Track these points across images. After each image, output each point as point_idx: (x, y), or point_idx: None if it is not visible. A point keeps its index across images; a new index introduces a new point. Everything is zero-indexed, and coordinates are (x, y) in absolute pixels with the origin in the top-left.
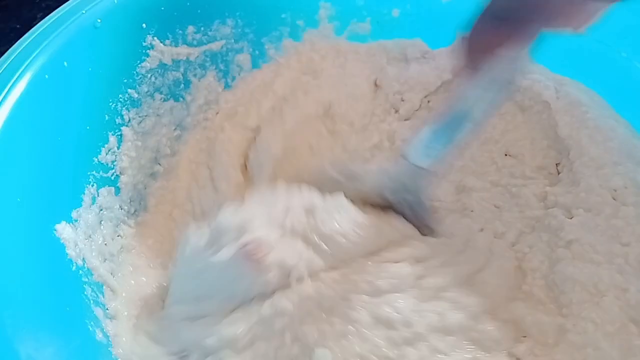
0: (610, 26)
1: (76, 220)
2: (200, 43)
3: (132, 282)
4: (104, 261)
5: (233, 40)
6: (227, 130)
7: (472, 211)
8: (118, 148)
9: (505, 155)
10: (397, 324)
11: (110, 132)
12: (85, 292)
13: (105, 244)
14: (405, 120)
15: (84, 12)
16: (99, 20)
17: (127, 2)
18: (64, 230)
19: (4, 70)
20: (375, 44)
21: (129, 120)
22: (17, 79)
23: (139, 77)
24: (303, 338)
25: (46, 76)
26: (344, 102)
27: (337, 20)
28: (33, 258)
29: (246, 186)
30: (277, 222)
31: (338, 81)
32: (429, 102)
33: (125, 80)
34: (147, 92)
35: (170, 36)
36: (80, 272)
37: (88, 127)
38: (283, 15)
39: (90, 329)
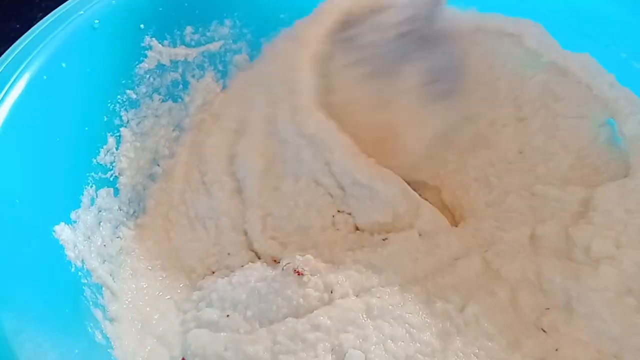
0: (609, 26)
1: (75, 222)
2: (198, 44)
3: (133, 285)
4: (103, 262)
5: (231, 41)
6: (214, 135)
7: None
8: (117, 149)
9: None
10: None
11: (109, 133)
12: (84, 294)
13: (105, 245)
14: None
15: (81, 12)
16: (97, 21)
17: (125, 3)
18: (62, 231)
19: (1, 71)
20: None
21: (128, 121)
22: (15, 80)
23: (137, 78)
24: (339, 346)
25: (44, 77)
26: None
27: None
28: (32, 260)
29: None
30: None
31: None
32: None
33: (124, 81)
34: (145, 93)
35: (168, 37)
36: (80, 273)
37: (86, 128)
38: (281, 16)
39: (90, 330)
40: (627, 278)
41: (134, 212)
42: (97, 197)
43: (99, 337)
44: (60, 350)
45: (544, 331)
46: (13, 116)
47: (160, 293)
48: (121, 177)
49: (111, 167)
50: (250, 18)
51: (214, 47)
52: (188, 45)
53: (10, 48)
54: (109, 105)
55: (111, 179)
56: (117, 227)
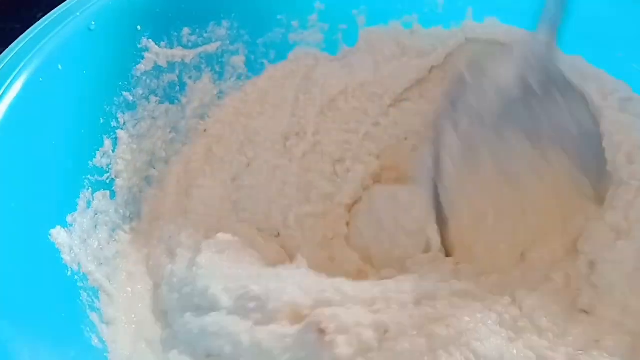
0: (607, 26)
1: (71, 225)
2: (195, 45)
3: (129, 288)
4: (100, 265)
5: (228, 42)
6: (207, 177)
7: None
8: (113, 151)
9: None
10: None
11: (105, 135)
12: (80, 297)
13: (101, 248)
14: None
15: (78, 14)
16: (93, 23)
17: (122, 4)
18: (59, 235)
19: None
20: None
21: (124, 123)
22: (11, 82)
23: (134, 80)
24: None
25: (40, 79)
26: None
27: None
28: (27, 264)
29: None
30: None
31: None
32: None
33: (120, 83)
34: (142, 95)
35: (165, 38)
36: (76, 277)
37: (83, 131)
38: (279, 17)
39: (86, 334)
40: None
41: (130, 214)
42: (93, 200)
43: (95, 341)
44: (57, 355)
45: (586, 312)
46: (8, 118)
47: None
48: (118, 179)
49: (107, 169)
50: (248, 19)
51: (211, 48)
52: (185, 47)
53: (6, 50)
54: (105, 107)
55: (107, 181)
56: (113, 230)
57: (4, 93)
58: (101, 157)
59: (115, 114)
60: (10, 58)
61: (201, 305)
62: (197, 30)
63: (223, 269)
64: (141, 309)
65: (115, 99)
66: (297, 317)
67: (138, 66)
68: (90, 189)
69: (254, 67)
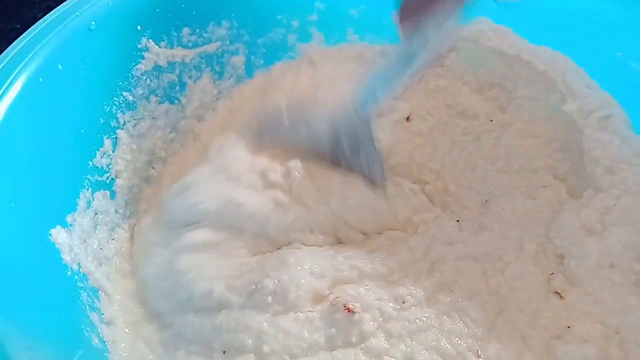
0: (606, 25)
1: (71, 225)
2: (195, 45)
3: (128, 287)
4: (100, 265)
5: (228, 42)
6: None
7: None
8: (113, 151)
9: None
10: None
11: (105, 135)
12: (80, 297)
13: (101, 248)
14: None
15: (78, 14)
16: (93, 23)
17: (122, 4)
18: (59, 235)
19: None
20: None
21: (124, 123)
22: (11, 82)
23: (134, 80)
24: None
25: (40, 79)
26: None
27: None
28: (28, 264)
29: None
30: None
31: None
32: None
33: (120, 83)
34: (142, 95)
35: (165, 38)
36: (76, 277)
37: (83, 131)
38: (278, 17)
39: (86, 334)
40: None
41: (130, 214)
42: (93, 199)
43: (95, 341)
44: (57, 355)
45: (559, 295)
46: (9, 118)
47: None
48: (117, 179)
49: (107, 169)
50: (247, 19)
51: (211, 48)
52: (185, 47)
53: (6, 50)
54: (105, 107)
55: (107, 181)
56: (113, 230)
57: (4, 93)
58: (101, 157)
59: (115, 114)
60: (10, 58)
61: (207, 306)
62: (197, 30)
63: (213, 269)
64: (141, 309)
65: (115, 99)
66: (318, 298)
67: (138, 66)
68: (90, 189)
69: (252, 72)
